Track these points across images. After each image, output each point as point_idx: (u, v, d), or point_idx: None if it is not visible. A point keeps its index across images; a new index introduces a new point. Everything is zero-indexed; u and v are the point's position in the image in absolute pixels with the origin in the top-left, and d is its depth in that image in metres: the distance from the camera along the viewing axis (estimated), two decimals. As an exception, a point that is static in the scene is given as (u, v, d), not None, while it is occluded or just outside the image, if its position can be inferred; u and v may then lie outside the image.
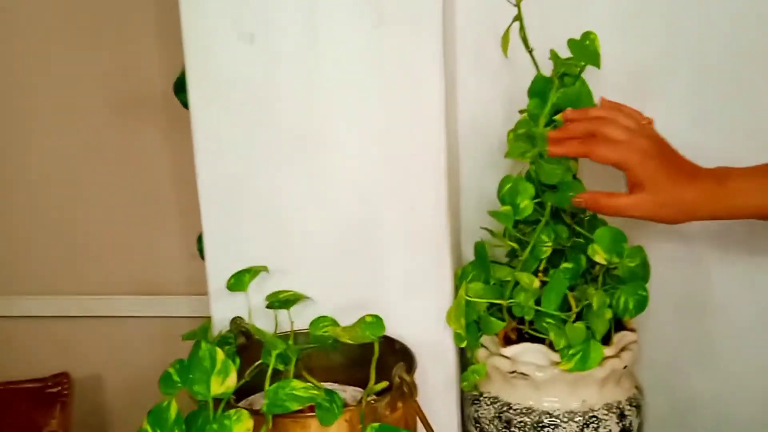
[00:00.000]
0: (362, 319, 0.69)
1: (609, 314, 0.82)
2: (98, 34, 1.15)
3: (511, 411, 0.86)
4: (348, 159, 0.84)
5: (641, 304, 0.84)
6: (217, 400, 0.63)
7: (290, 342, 0.74)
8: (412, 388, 0.65)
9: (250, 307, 0.84)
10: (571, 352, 0.80)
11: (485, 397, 0.88)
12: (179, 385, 0.66)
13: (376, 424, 0.61)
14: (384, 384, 0.66)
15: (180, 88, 1.09)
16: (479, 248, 0.86)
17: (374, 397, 0.66)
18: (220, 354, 0.63)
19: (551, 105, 0.79)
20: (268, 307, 0.80)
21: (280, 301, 0.78)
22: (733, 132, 0.95)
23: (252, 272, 0.82)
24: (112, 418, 1.23)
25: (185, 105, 1.09)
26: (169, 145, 1.15)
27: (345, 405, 0.64)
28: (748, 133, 0.95)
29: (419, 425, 0.69)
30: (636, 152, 0.73)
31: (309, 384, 0.61)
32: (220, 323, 0.86)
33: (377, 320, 0.69)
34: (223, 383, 0.62)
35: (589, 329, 0.80)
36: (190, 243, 1.10)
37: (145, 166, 1.16)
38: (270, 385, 0.63)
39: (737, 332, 1.03)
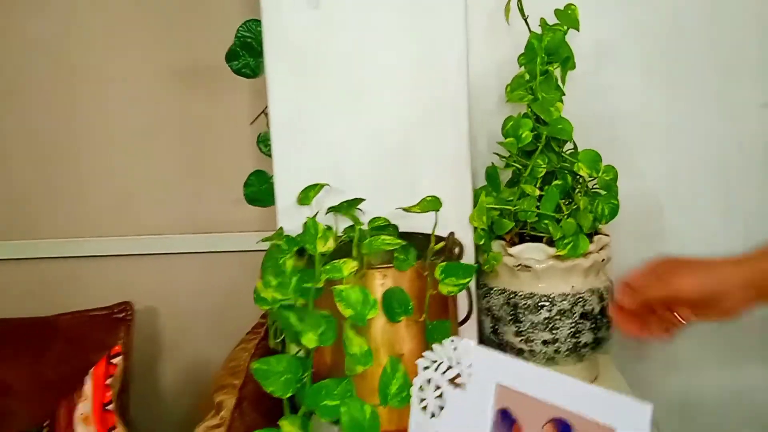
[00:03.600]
0: (424, 199, 0.92)
1: (591, 217, 1.08)
2: (165, 16, 1.36)
3: (517, 297, 1.10)
4: (389, 100, 1.07)
5: (614, 211, 1.10)
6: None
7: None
8: (461, 248, 0.89)
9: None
10: (565, 241, 1.05)
11: (495, 290, 1.12)
12: (286, 252, 0.87)
13: (443, 264, 0.84)
14: (442, 244, 0.89)
15: (231, 57, 1.30)
16: (491, 171, 1.11)
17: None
18: (320, 225, 0.85)
19: (543, 47, 1.05)
20: (333, 210, 1.02)
21: (349, 203, 1.00)
22: (676, 87, 1.24)
23: (317, 188, 1.04)
24: (164, 344, 1.41)
25: (236, 72, 1.31)
26: (219, 107, 1.36)
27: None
28: (686, 88, 1.24)
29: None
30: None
31: (393, 237, 0.83)
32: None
33: (435, 199, 0.92)
34: (325, 245, 0.84)
35: (578, 225, 1.06)
36: (235, 188, 1.31)
37: (198, 125, 1.37)
38: (354, 252, 0.86)
39: (686, 253, 1.30)
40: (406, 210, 0.93)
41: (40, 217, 1.40)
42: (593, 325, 1.09)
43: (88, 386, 1.14)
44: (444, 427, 0.70)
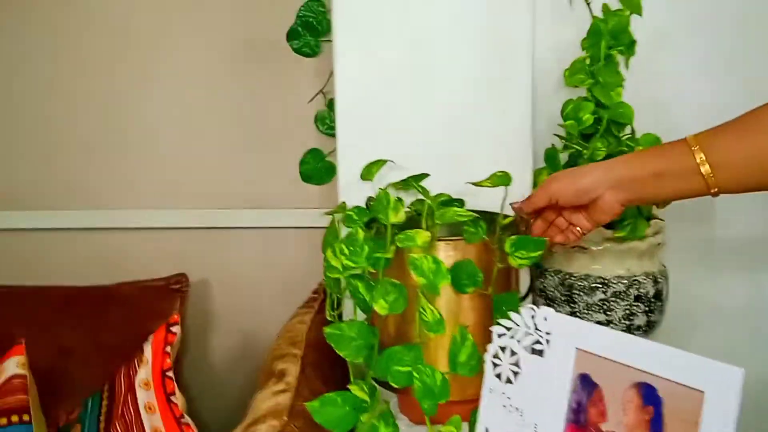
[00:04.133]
0: (494, 174, 0.94)
1: (649, 201, 1.09)
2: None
3: (572, 278, 1.11)
4: (454, 79, 1.09)
5: (672, 196, 1.11)
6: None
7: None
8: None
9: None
10: (624, 223, 1.06)
11: (550, 271, 1.14)
12: (357, 221, 0.89)
13: (513, 237, 0.86)
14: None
15: (292, 36, 1.33)
16: (550, 152, 1.12)
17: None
18: (392, 196, 0.87)
19: (608, 31, 1.06)
20: (398, 185, 1.04)
21: (414, 177, 1.02)
22: (731, 76, 1.24)
23: (379, 163, 1.06)
24: (216, 316, 1.44)
25: (296, 51, 1.33)
26: (278, 85, 1.38)
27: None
28: (742, 79, 1.24)
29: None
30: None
31: (464, 210, 0.85)
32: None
33: (506, 174, 0.94)
34: (396, 215, 0.87)
35: (637, 207, 1.07)
36: (292, 166, 1.34)
37: (257, 102, 1.39)
38: (426, 220, 0.88)
39: (732, 238, 1.31)
40: (475, 185, 0.95)
41: (102, 188, 1.43)
42: (647, 308, 1.10)
43: (148, 353, 1.17)
44: (520, 393, 0.71)
